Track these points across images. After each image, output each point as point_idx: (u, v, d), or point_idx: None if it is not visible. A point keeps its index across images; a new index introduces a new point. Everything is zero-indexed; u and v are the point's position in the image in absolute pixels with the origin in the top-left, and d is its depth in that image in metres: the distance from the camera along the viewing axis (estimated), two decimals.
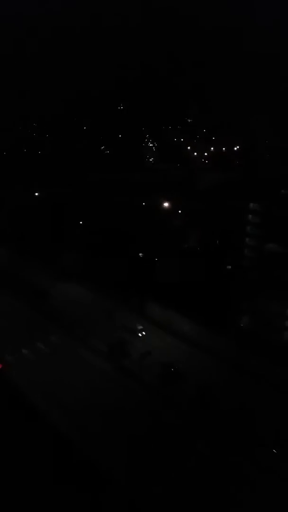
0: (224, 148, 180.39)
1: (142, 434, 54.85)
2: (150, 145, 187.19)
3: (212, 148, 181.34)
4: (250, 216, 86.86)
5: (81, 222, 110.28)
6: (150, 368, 64.81)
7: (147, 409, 59.54)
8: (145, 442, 53.67)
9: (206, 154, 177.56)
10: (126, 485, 47.82)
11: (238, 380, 65.41)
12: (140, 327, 75.55)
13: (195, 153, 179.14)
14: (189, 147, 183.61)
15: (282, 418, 56.81)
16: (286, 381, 64.23)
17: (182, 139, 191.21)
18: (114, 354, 68.58)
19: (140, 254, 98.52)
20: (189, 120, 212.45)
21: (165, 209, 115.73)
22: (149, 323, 78.98)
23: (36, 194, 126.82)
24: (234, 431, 54.70)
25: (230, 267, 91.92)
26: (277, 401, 60.76)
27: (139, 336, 73.93)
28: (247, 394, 61.51)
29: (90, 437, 54.11)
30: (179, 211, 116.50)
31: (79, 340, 73.69)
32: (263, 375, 65.85)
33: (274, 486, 48.14)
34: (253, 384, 64.51)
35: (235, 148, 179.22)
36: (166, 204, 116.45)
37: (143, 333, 74.54)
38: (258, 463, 50.67)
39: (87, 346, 72.24)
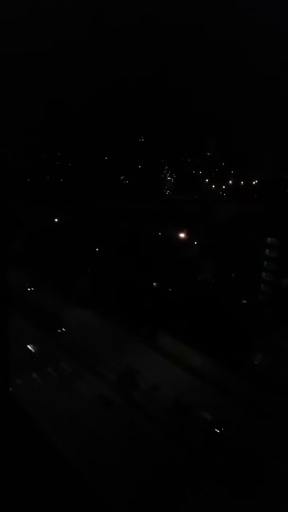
0: (242, 182, 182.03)
1: (147, 467, 53.17)
2: (169, 178, 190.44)
3: (230, 182, 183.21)
4: (267, 250, 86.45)
5: (96, 249, 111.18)
6: (158, 401, 63.31)
7: (153, 442, 57.90)
8: (150, 476, 51.91)
9: (224, 187, 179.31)
10: None
11: (248, 419, 63.16)
12: None
13: (213, 186, 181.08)
14: (207, 180, 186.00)
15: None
16: None
17: (200, 172, 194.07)
18: (123, 384, 67.44)
19: (154, 283, 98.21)
20: (208, 154, 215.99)
21: (180, 240, 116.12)
22: (159, 354, 77.86)
23: (56, 220, 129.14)
24: (240, 471, 52.42)
25: (245, 301, 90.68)
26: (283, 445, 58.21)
27: (147, 367, 72.70)
28: (257, 434, 59.19)
29: (94, 466, 52.66)
30: (195, 242, 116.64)
31: (89, 367, 72.98)
32: (274, 415, 63.49)
33: None
34: (263, 424, 62.15)
35: (254, 182, 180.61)
36: (182, 235, 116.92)
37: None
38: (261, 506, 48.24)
39: (96, 374, 71.43)
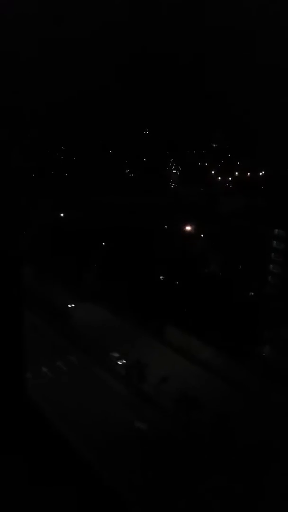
0: (248, 173, 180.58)
1: (155, 459, 53.63)
2: (174, 170, 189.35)
3: (236, 173, 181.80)
4: (274, 242, 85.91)
5: (103, 243, 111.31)
6: (167, 394, 63.57)
7: (161, 435, 58.28)
8: (158, 468, 52.36)
9: (230, 178, 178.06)
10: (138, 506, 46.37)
11: (257, 411, 63.22)
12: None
13: (219, 178, 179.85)
14: (213, 172, 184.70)
15: None
16: None
17: (206, 163, 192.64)
18: (132, 377, 67.79)
19: (161, 277, 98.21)
20: (214, 145, 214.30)
21: (187, 233, 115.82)
22: (167, 347, 78.07)
23: (62, 215, 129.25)
24: (249, 464, 52.59)
25: (252, 293, 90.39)
26: None
27: (155, 359, 72.94)
28: (266, 426, 59.31)
29: (104, 458, 53.18)
30: (201, 235, 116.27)
31: (97, 361, 73.39)
32: (284, 406, 63.47)
33: None
34: (273, 416, 62.19)
35: (260, 173, 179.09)
36: (188, 228, 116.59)
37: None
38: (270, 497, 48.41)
39: (105, 368, 71.85)
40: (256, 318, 79.50)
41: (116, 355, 74.41)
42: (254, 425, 59.39)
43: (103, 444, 56.12)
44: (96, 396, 65.16)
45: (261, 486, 50.34)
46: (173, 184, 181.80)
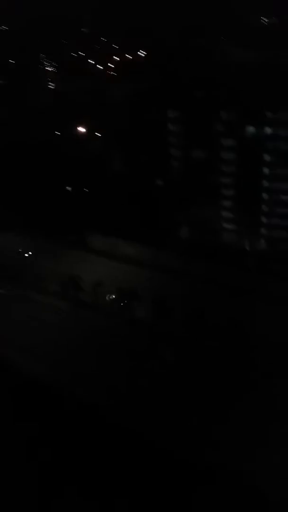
0: (129, 55, 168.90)
1: (113, 358, 57.80)
2: (49, 67, 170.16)
3: (116, 58, 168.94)
4: (170, 125, 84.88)
5: None
6: (105, 296, 65.97)
7: (109, 333, 62.13)
8: (118, 364, 56.79)
9: (111, 65, 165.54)
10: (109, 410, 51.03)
11: (189, 288, 68.83)
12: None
13: (99, 67, 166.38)
14: (90, 61, 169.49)
15: (231, 317, 59.30)
16: (234, 280, 68.71)
17: (80, 53, 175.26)
18: (67, 291, 68.57)
19: (68, 187, 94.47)
20: (83, 30, 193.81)
21: (82, 136, 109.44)
22: (93, 254, 78.93)
23: None
24: (190, 336, 58.72)
25: (160, 181, 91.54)
26: (228, 302, 65.17)
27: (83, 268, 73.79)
28: (201, 300, 64.91)
29: (62, 372, 55.96)
30: (96, 134, 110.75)
31: (31, 286, 72.48)
32: (212, 279, 69.55)
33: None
34: (204, 289, 68.33)
35: (142, 54, 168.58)
36: (82, 130, 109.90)
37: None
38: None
39: (38, 290, 71.47)
40: (168, 204, 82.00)
41: (47, 273, 73.72)
42: (189, 302, 64.67)
43: (58, 359, 58.29)
44: (38, 317, 65.66)
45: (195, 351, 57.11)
46: (51, 82, 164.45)
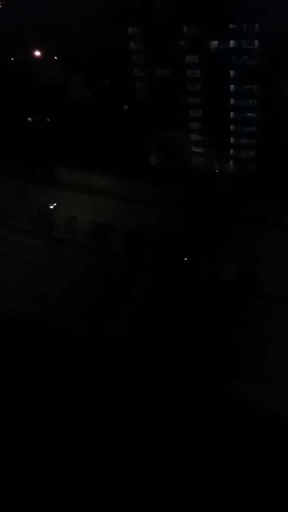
0: None
1: (91, 291, 59.86)
2: None
3: None
4: (132, 43, 79.76)
5: None
6: (80, 230, 66.32)
7: (85, 263, 63.53)
8: (97, 296, 59.02)
9: None
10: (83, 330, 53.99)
11: (165, 216, 69.59)
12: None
13: None
14: None
15: (207, 239, 61.31)
16: (207, 204, 69.60)
17: None
18: (41, 228, 68.52)
19: (29, 118, 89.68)
20: None
21: (36, 60, 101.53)
22: (64, 189, 77.75)
23: None
24: (168, 264, 60.82)
25: (126, 107, 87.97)
26: (203, 224, 66.51)
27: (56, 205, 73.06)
28: (176, 227, 66.09)
29: (42, 308, 58.02)
30: (55, 57, 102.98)
31: (2, 226, 71.88)
32: (186, 206, 70.14)
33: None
34: (178, 215, 69.27)
35: None
36: (36, 53, 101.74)
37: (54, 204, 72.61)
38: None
39: (11, 230, 71.12)
40: (137, 130, 79.67)
41: (17, 212, 72.90)
42: (164, 230, 65.50)
43: (39, 294, 60.01)
44: (14, 256, 66.13)
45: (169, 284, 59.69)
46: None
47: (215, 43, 70.01)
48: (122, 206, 72.50)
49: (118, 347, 51.56)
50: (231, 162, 77.71)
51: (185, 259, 59.64)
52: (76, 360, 49.93)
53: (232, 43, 68.61)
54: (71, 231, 66.92)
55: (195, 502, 38.08)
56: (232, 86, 71.63)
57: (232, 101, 72.86)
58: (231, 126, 75.04)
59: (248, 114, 72.45)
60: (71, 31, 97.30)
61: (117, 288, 59.16)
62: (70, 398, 46.54)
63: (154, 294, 57.57)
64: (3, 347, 52.67)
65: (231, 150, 77.09)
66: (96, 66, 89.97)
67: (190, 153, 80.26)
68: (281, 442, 39.95)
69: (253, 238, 61.71)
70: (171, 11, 72.12)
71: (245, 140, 75.26)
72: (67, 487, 40.05)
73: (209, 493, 38.42)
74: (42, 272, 63.37)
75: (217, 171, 78.24)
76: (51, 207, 71.67)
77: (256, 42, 67.13)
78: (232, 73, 70.54)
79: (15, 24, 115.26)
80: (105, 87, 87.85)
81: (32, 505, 38.54)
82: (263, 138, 72.79)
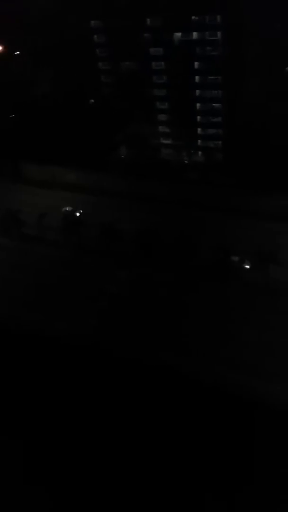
0: None
1: (65, 286, 59.14)
2: None
3: None
4: (95, 36, 79.05)
5: None
6: (51, 227, 65.33)
7: (57, 259, 62.69)
8: (72, 291, 58.31)
9: None
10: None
11: (136, 208, 69.40)
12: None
13: None
14: None
15: (179, 230, 61.03)
16: (178, 195, 69.89)
17: None
18: (9, 227, 66.86)
19: None
20: None
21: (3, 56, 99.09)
22: (32, 186, 76.28)
23: None
24: (142, 256, 60.70)
25: (92, 100, 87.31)
26: (174, 215, 66.78)
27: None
28: (147, 218, 66.07)
29: (17, 306, 56.89)
30: (17, 53, 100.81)
31: None
32: (157, 197, 70.23)
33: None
34: (149, 207, 69.24)
35: None
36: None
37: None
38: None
39: None
40: (104, 123, 79.13)
41: None
42: (136, 220, 65.55)
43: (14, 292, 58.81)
44: None
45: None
46: None
47: (178, 35, 70.31)
48: (92, 200, 71.79)
49: (96, 340, 51.10)
50: (199, 152, 78.39)
51: (159, 249, 59.64)
52: (53, 357, 49.27)
53: (195, 34, 69.07)
54: (42, 228, 65.70)
55: (192, 496, 37.76)
56: (197, 77, 72.19)
57: (197, 92, 73.43)
58: (198, 117, 75.68)
59: (213, 104, 73.23)
60: (34, 25, 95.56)
61: (91, 282, 58.56)
62: (53, 394, 45.97)
63: (130, 287, 57.32)
64: None
65: (199, 141, 77.77)
66: (60, 60, 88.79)
67: (159, 145, 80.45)
68: (275, 431, 39.84)
69: (225, 227, 62.41)
70: (134, 3, 71.89)
71: (212, 131, 76.08)
72: (65, 486, 39.42)
73: (206, 487, 38.19)
74: (12, 270, 61.93)
75: (186, 162, 78.76)
76: (18, 204, 70.09)
77: (219, 33, 67.88)
78: (196, 64, 71.06)
79: None
80: (71, 81, 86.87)
81: (32, 505, 38.02)
82: (230, 128, 73.78)
